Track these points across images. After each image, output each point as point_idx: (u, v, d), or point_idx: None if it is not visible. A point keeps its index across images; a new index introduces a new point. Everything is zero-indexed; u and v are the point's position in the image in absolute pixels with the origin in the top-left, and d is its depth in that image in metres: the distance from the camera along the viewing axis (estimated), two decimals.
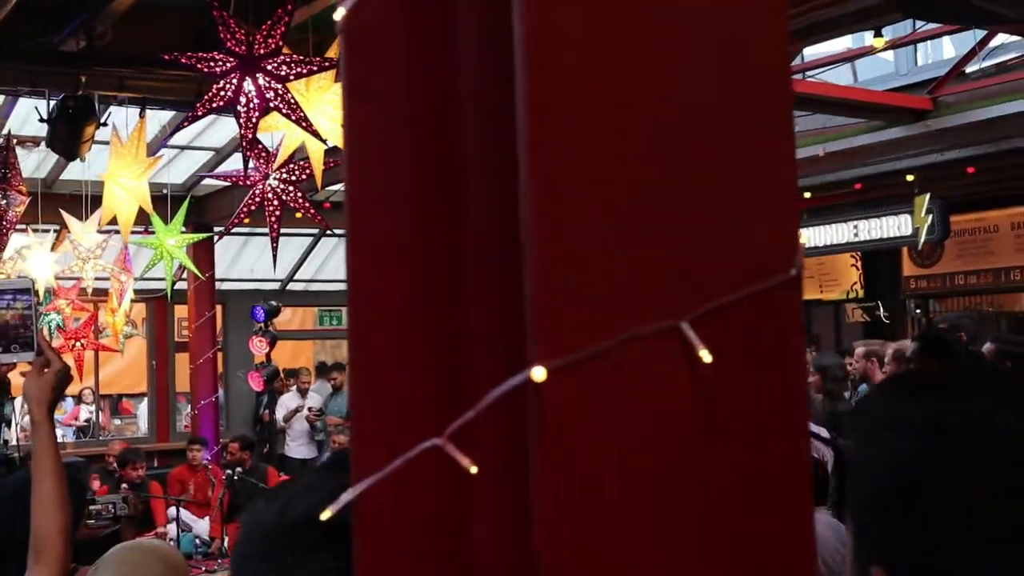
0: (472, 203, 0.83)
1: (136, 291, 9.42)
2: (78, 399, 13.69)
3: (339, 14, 0.98)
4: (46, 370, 2.19)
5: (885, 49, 7.70)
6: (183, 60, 3.99)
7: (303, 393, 12.10)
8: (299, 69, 4.09)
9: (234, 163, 9.16)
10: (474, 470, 0.76)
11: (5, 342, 2.18)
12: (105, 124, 6.04)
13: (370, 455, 0.81)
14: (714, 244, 0.79)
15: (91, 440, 12.86)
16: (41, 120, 5.86)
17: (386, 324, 0.83)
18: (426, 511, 0.84)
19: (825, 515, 2.60)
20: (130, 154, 5.89)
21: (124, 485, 9.09)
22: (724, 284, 0.79)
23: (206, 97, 4.01)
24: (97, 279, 8.77)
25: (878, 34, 6.94)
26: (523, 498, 0.77)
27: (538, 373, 0.69)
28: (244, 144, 4.17)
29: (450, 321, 0.82)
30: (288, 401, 11.90)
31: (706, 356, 0.74)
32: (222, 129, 9.26)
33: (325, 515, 0.81)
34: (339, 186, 6.69)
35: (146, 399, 13.42)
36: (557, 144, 0.72)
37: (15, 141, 8.56)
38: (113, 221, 6.33)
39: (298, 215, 5.74)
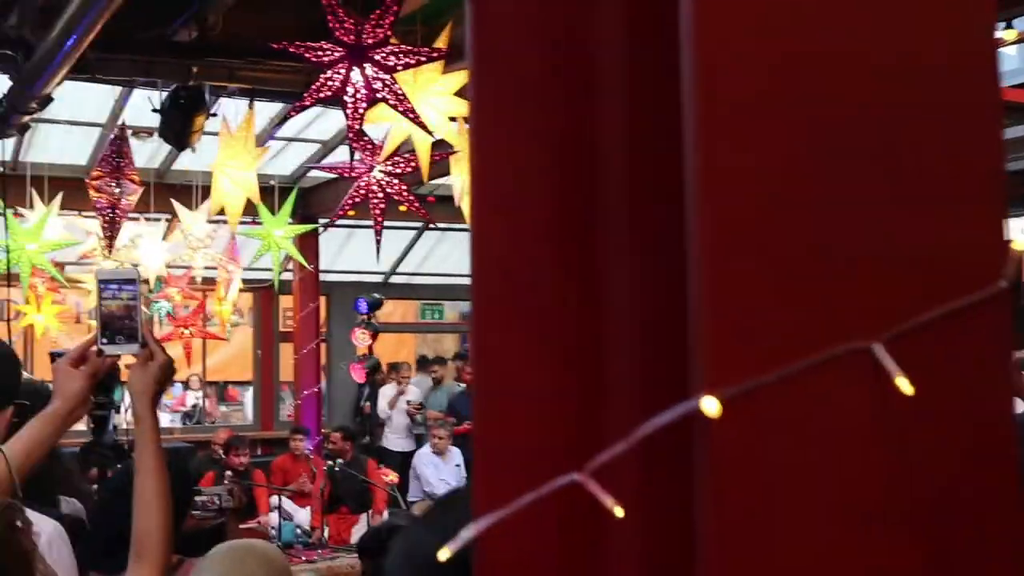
0: (612, 204, 0.71)
1: (243, 281, 9.55)
2: (185, 385, 13.97)
3: None
4: (150, 363, 2.14)
5: (1017, 42, 7.31)
6: (291, 49, 3.95)
7: (402, 387, 12.14)
8: (407, 60, 4.02)
9: (340, 156, 9.20)
10: (620, 512, 0.64)
11: (110, 333, 2.13)
12: (215, 115, 6.07)
13: (496, 488, 0.70)
14: (910, 255, 0.66)
15: (197, 426, 13.11)
16: (154, 110, 5.92)
17: (515, 341, 0.72)
18: (555, 553, 0.72)
19: None
20: (239, 145, 5.91)
21: (228, 472, 9.22)
22: (922, 300, 0.66)
23: (313, 87, 3.97)
24: (206, 268, 8.90)
25: (1009, 26, 6.60)
26: (670, 542, 0.65)
27: (708, 404, 0.57)
28: (350, 135, 4.12)
29: (588, 339, 0.70)
30: (388, 393, 11.93)
31: (905, 387, 0.61)
32: (329, 122, 9.30)
33: (443, 554, 0.70)
34: (444, 179, 6.63)
35: (251, 387, 13.62)
36: (729, 146, 0.60)
37: (130, 132, 8.74)
38: (222, 212, 6.38)
39: (402, 208, 5.69)
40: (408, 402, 12.13)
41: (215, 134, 6.31)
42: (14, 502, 1.77)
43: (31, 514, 1.86)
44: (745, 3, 0.61)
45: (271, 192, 8.72)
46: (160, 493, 2.11)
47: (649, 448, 0.65)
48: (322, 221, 10.54)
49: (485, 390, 0.70)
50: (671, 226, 0.66)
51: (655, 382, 0.67)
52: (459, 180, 6.13)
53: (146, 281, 9.02)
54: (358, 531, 9.19)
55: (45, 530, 2.08)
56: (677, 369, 0.66)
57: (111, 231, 6.23)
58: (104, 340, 2.12)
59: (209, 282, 9.57)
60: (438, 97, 4.69)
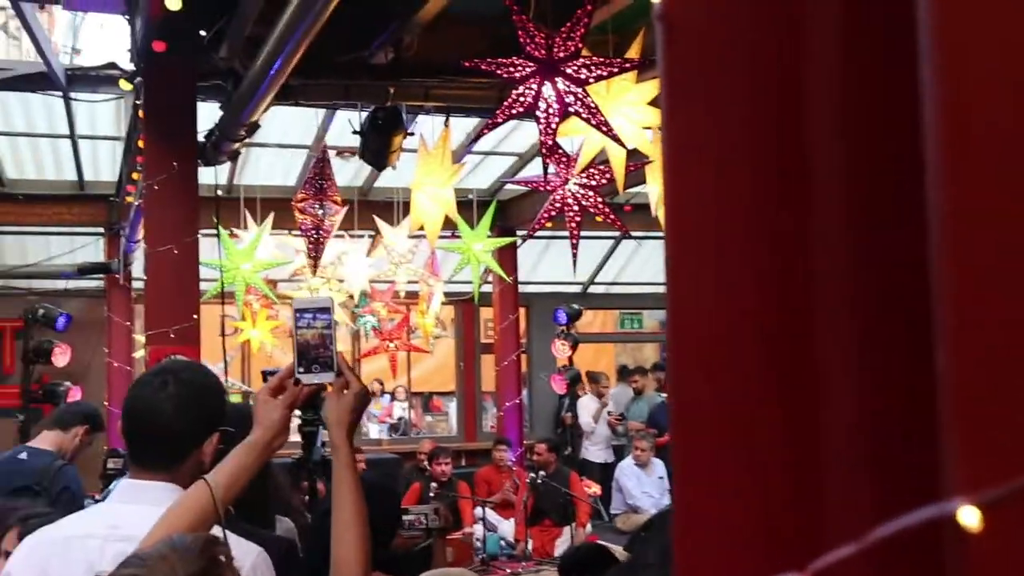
0: (832, 253, 0.60)
1: (444, 294, 9.69)
2: (392, 396, 14.33)
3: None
4: (345, 392, 2.13)
5: None
6: (483, 67, 3.94)
7: (600, 398, 12.06)
8: (599, 72, 3.94)
9: (536, 168, 9.20)
10: None
11: (306, 362, 2.13)
12: (412, 134, 6.16)
13: None
14: None
15: (403, 437, 13.42)
16: (354, 132, 6.06)
17: (719, 398, 0.62)
18: None
19: None
20: (436, 162, 5.98)
21: (433, 484, 9.38)
22: None
23: (505, 103, 3.94)
24: (408, 282, 9.08)
25: None
26: None
27: (967, 514, 0.45)
28: (543, 151, 4.07)
29: (802, 407, 0.59)
30: (589, 405, 11.87)
31: None
32: (524, 135, 9.33)
33: None
34: (640, 188, 6.52)
35: (455, 399, 13.85)
36: (988, 184, 0.48)
37: (334, 152, 9.03)
38: (422, 228, 6.47)
39: (598, 219, 5.62)
40: (609, 412, 12.04)
41: (415, 151, 6.42)
42: (215, 536, 1.78)
43: (234, 541, 1.87)
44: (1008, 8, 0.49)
45: (470, 206, 8.81)
46: (357, 523, 2.10)
47: (883, 551, 0.53)
48: (520, 233, 10.58)
49: (687, 472, 0.60)
50: (906, 280, 0.54)
51: (886, 468, 0.55)
52: (655, 189, 6.00)
53: (350, 296, 9.29)
54: (561, 544, 9.15)
55: (248, 559, 2.09)
56: (915, 451, 0.54)
57: (316, 251, 6.42)
58: (300, 369, 2.12)
59: (412, 296, 9.76)
60: (632, 107, 4.58)
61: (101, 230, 10.62)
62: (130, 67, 6.15)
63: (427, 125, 6.69)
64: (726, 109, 0.69)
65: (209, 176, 6.29)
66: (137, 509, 2.14)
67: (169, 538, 1.70)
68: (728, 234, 0.59)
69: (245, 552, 2.08)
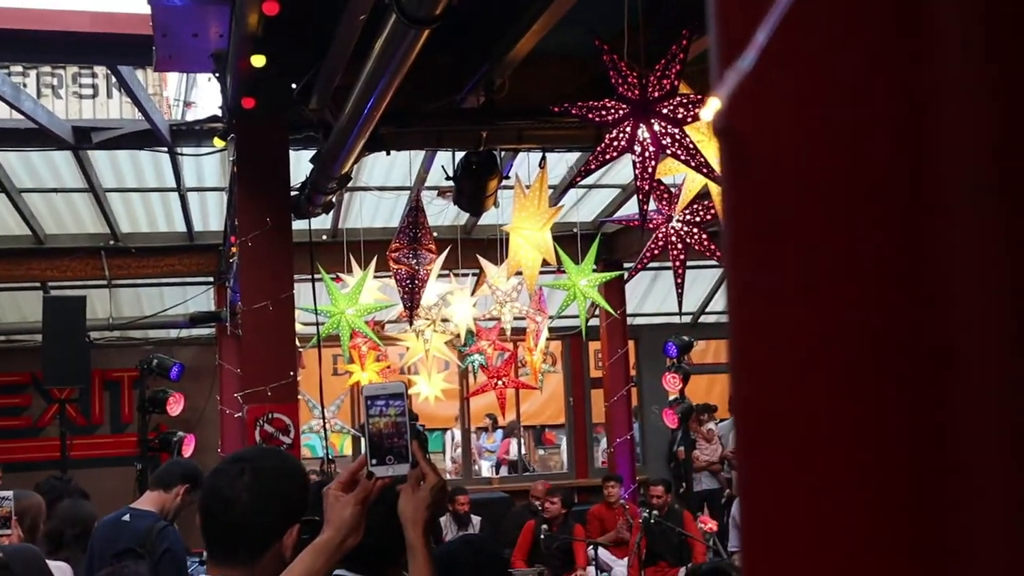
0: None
1: (551, 329, 9.53)
2: (508, 432, 14.19)
3: (710, 112, 0.63)
4: (421, 484, 1.98)
5: None
6: (574, 111, 3.77)
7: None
8: (697, 110, 3.73)
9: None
10: None
11: (380, 453, 1.99)
12: (507, 177, 6.03)
13: None
14: None
15: (513, 475, 13.27)
16: (448, 178, 5.96)
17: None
18: None
19: None
20: (532, 205, 5.83)
21: (544, 525, 9.20)
22: None
23: (598, 148, 3.76)
24: (515, 319, 8.96)
25: None
26: None
27: None
28: (640, 196, 3.87)
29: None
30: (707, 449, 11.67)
31: None
32: (628, 167, 9.14)
33: None
34: None
35: (564, 432, 13.65)
36: None
37: (436, 192, 8.97)
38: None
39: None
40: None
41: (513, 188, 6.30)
42: None
43: None
44: None
45: (574, 240, 8.65)
46: None
47: None
48: (627, 266, 10.37)
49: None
50: None
51: None
52: None
53: (456, 336, 9.20)
54: None
55: None
56: None
57: (411, 301, 6.32)
58: (374, 461, 1.97)
59: (519, 332, 9.64)
60: None
61: (211, 279, 10.79)
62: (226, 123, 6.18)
63: (524, 163, 6.55)
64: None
65: (307, 225, 6.26)
66: None
67: None
68: None
69: None
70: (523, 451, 14.05)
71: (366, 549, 2.00)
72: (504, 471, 13.78)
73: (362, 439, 2.26)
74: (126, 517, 4.87)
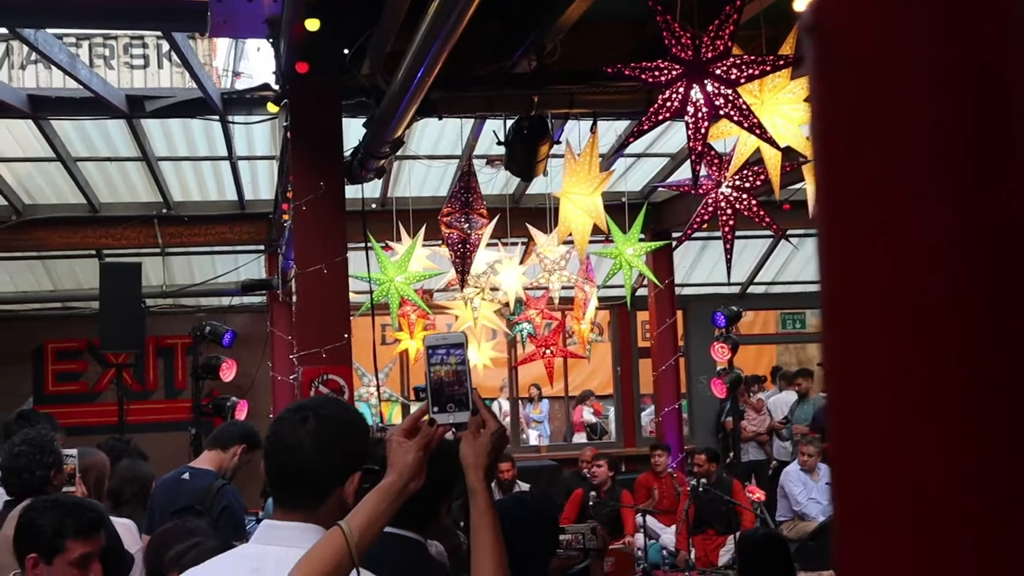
0: None
1: (599, 299, 9.53)
2: (580, 399, 14.18)
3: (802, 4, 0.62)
4: (481, 431, 2.02)
5: None
6: (626, 72, 3.77)
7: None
8: (750, 71, 3.71)
9: (689, 169, 8.96)
10: None
11: (441, 401, 2.02)
12: (559, 142, 6.03)
13: None
14: None
15: (564, 444, 13.34)
16: (499, 143, 5.97)
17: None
18: None
19: None
20: (583, 170, 5.83)
21: (592, 492, 9.25)
22: None
23: (651, 109, 3.76)
24: (563, 288, 8.96)
25: None
26: None
27: None
28: (692, 157, 3.86)
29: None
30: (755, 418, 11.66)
31: None
32: (677, 135, 9.09)
33: None
34: (799, 184, 6.21)
35: (612, 402, 13.67)
36: None
37: (484, 161, 8.98)
38: (571, 235, 6.34)
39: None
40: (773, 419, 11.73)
41: (563, 156, 6.29)
42: None
43: None
44: None
45: (622, 209, 8.64)
46: (498, 570, 1.98)
47: None
48: (675, 234, 10.33)
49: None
50: None
51: None
52: (812, 188, 5.70)
53: (505, 304, 9.23)
54: (725, 553, 8.89)
55: None
56: None
57: (462, 265, 6.36)
58: (435, 409, 2.01)
59: (567, 301, 9.65)
60: (787, 104, 4.33)
61: (262, 247, 10.91)
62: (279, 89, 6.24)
63: (575, 130, 6.54)
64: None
65: (359, 192, 6.31)
66: (275, 551, 2.10)
67: None
68: None
69: None
70: (594, 418, 14.04)
71: (414, 498, 2.04)
72: (581, 437, 13.80)
73: (410, 406, 2.30)
74: (185, 475, 4.97)
